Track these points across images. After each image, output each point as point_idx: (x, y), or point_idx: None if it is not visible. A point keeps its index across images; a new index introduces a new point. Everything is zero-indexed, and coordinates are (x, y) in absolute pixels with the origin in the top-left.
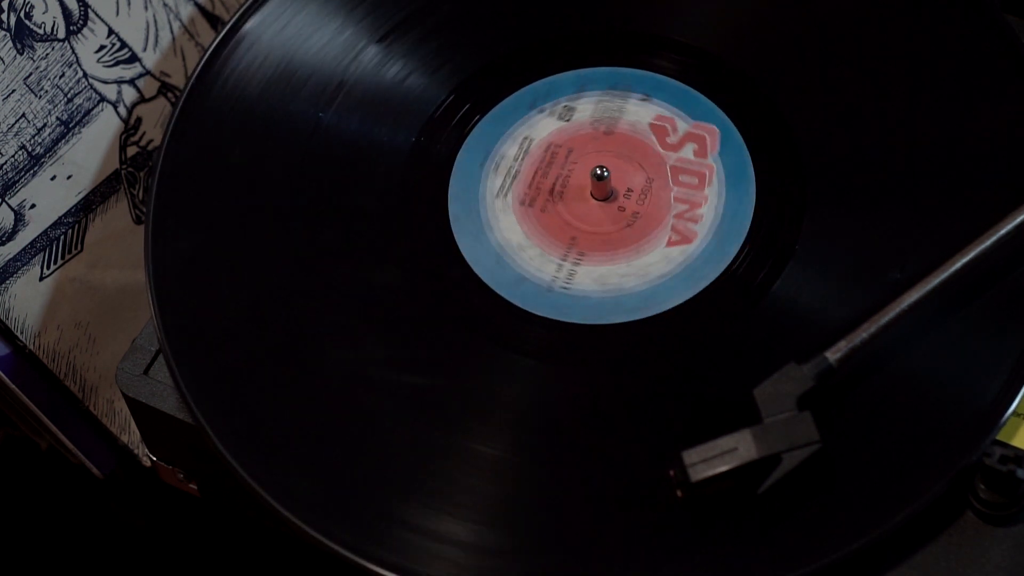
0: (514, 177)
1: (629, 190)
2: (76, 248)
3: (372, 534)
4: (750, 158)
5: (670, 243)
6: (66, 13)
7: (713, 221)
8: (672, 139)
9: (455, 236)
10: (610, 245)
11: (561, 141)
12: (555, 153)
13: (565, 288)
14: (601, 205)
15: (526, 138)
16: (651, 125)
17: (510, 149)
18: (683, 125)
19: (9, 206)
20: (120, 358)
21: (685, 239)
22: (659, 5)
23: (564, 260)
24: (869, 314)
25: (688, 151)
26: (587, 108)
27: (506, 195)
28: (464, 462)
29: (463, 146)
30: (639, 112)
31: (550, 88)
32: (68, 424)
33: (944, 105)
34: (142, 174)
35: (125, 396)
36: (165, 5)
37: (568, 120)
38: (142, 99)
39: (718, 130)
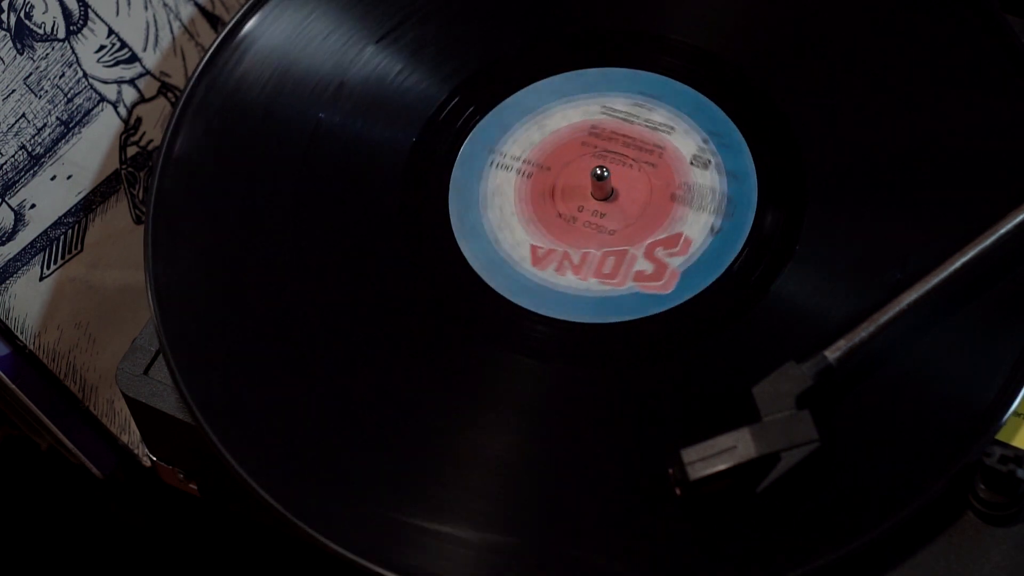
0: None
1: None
2: (76, 248)
3: (372, 534)
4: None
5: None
6: (66, 13)
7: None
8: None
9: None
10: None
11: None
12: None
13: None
14: (602, 205)
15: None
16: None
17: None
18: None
19: (9, 206)
20: (120, 358)
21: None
22: (658, 5)
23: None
24: (868, 313)
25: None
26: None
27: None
28: (464, 462)
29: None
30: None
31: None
32: (68, 424)
33: (944, 105)
34: (142, 174)
35: (125, 396)
36: (165, 5)
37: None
38: (142, 99)
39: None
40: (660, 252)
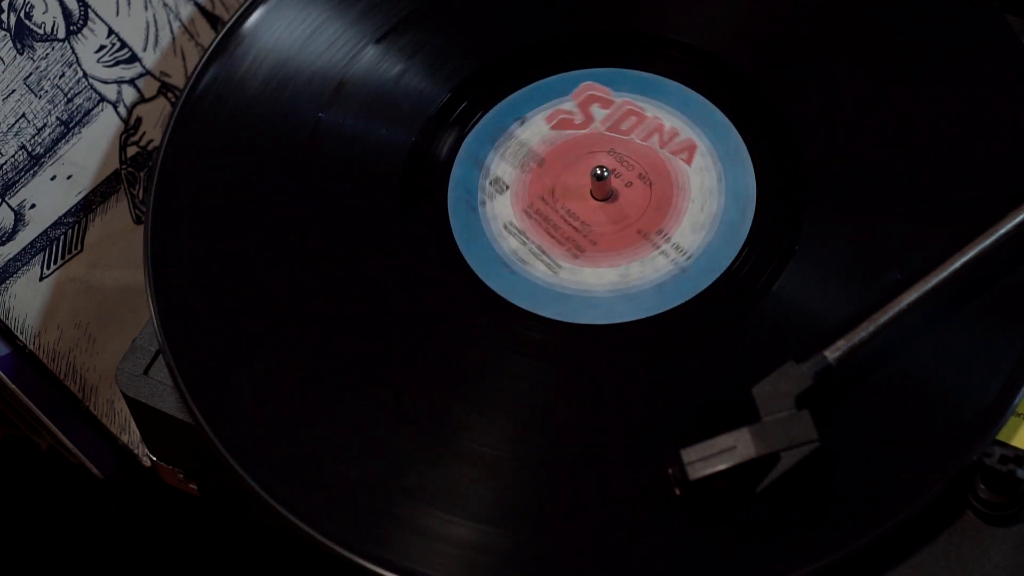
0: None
1: (613, 171)
2: (76, 248)
3: (372, 534)
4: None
5: (687, 161)
6: (66, 13)
7: (689, 129)
8: (577, 119)
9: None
10: (663, 208)
11: (528, 202)
12: (539, 210)
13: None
14: (602, 205)
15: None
16: (553, 127)
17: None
18: (568, 104)
19: (9, 206)
20: (120, 358)
21: (689, 149)
22: (657, 5)
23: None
24: (868, 313)
25: (598, 111)
26: (505, 169)
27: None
28: (464, 462)
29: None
30: (532, 130)
31: (466, 184)
32: (68, 424)
33: (944, 105)
34: (142, 174)
35: (125, 396)
36: (165, 5)
37: (505, 190)
38: (142, 99)
39: (595, 82)
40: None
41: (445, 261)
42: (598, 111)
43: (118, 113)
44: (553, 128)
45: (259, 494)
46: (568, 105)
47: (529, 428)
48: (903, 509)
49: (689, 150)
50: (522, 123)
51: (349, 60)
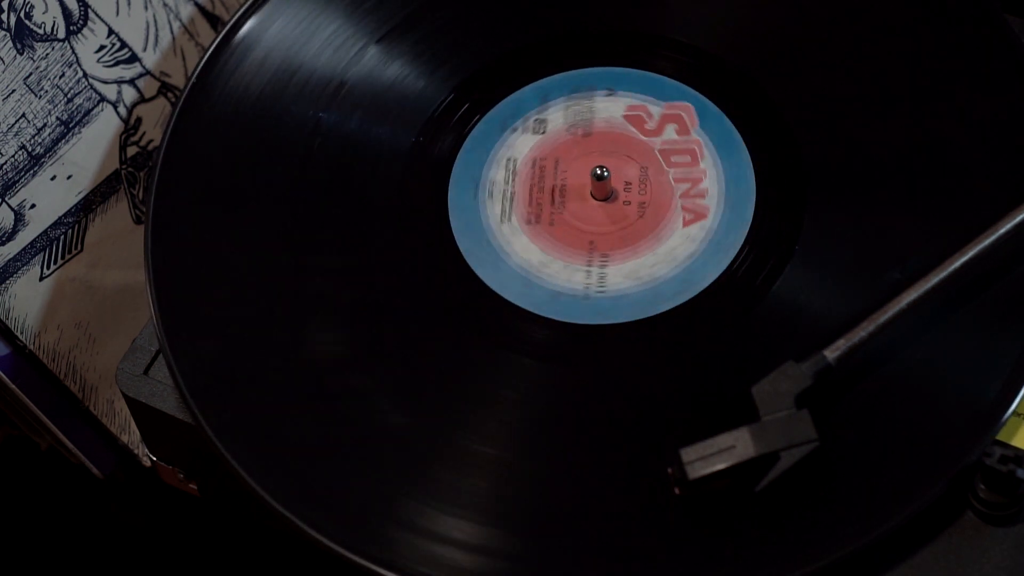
0: (511, 199)
1: (628, 183)
2: (76, 248)
3: (372, 534)
4: (734, 127)
5: (686, 223)
6: (66, 13)
7: (720, 191)
8: (650, 125)
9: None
10: (629, 240)
11: (544, 153)
12: (543, 166)
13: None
14: (604, 205)
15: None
16: (625, 116)
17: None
18: (656, 109)
19: (9, 206)
20: (120, 358)
21: (699, 215)
22: (657, 5)
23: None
24: (868, 313)
25: (670, 132)
26: (557, 116)
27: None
28: (464, 462)
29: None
30: (609, 107)
31: (516, 105)
32: (68, 424)
33: (944, 105)
34: (142, 174)
35: (125, 396)
36: (165, 5)
37: (543, 132)
38: (142, 99)
39: (692, 106)
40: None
41: (445, 261)
42: (670, 130)
43: (118, 113)
44: (624, 116)
45: (259, 494)
46: (655, 109)
47: (529, 428)
48: (903, 509)
49: (698, 214)
50: (610, 94)
51: (349, 60)
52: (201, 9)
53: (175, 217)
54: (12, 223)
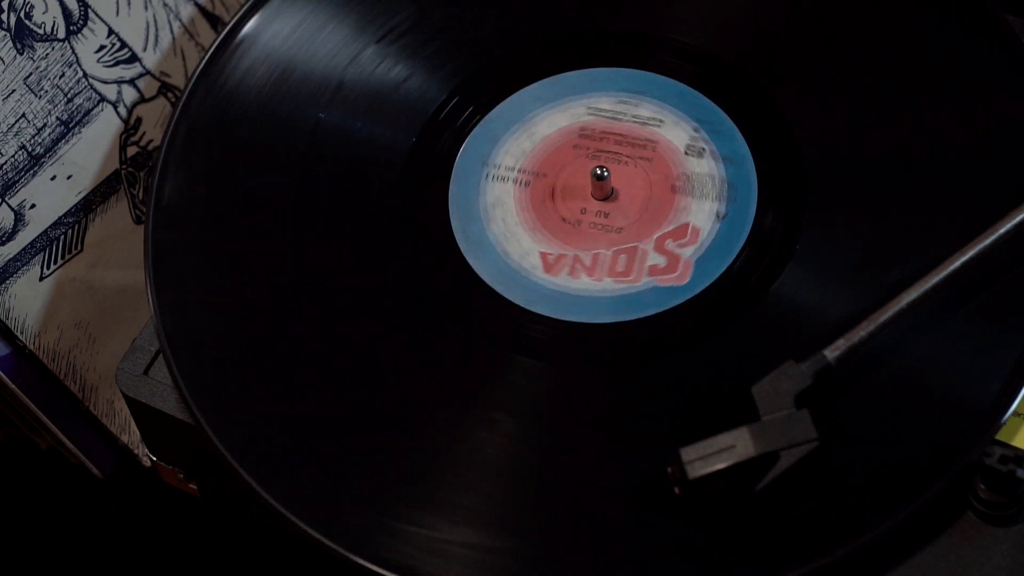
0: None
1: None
2: (76, 248)
3: (372, 534)
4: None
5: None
6: (66, 13)
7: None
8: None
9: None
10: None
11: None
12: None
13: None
14: (604, 204)
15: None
16: (623, 115)
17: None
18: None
19: (9, 206)
20: (120, 358)
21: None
22: (655, 5)
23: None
24: (868, 313)
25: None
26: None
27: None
28: (464, 462)
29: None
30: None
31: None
32: (68, 424)
33: (944, 105)
34: (142, 174)
35: (125, 396)
36: (165, 5)
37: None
38: (142, 99)
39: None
40: (670, 244)
41: (445, 261)
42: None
43: (118, 113)
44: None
45: (259, 494)
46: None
47: (529, 428)
48: (903, 509)
49: (672, 263)
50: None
51: (349, 60)
52: (201, 9)
53: (175, 217)
54: (12, 223)
